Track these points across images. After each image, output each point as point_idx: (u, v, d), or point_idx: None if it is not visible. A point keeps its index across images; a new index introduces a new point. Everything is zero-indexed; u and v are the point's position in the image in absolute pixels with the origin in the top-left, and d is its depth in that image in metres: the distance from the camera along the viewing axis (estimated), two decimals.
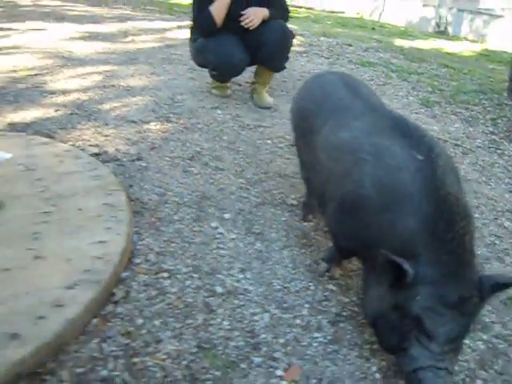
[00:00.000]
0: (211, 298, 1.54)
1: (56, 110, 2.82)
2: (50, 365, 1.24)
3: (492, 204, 2.58)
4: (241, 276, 1.66)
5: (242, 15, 3.01)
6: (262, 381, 1.30)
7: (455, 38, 10.70)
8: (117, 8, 7.30)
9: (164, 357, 1.32)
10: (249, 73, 3.54)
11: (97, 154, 2.30)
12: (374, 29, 8.99)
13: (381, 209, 1.37)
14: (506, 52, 8.17)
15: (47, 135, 2.47)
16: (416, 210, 1.30)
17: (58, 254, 1.54)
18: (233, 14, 3.02)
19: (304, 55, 4.96)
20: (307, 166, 1.88)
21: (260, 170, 2.43)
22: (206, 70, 3.34)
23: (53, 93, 3.11)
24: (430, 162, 1.36)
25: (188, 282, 1.58)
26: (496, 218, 2.44)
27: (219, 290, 1.58)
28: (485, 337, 1.62)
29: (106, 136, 2.54)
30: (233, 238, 1.85)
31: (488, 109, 4.20)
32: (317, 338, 1.48)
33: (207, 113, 3.04)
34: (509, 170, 3.09)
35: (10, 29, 4.89)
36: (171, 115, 2.92)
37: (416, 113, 3.79)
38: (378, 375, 1.39)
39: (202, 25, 3.08)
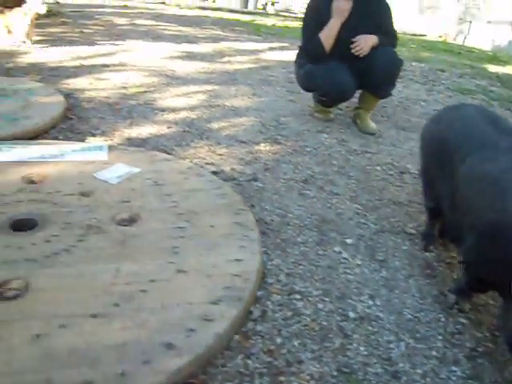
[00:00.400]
0: (345, 323, 1.55)
1: (168, 127, 2.96)
2: (201, 376, 1.29)
3: None
4: (370, 302, 1.66)
5: (352, 42, 3.04)
6: None
7: None
8: (207, 28, 7.57)
9: (307, 377, 1.34)
10: None
11: (214, 173, 2.38)
12: (460, 53, 8.75)
13: None
14: None
15: (165, 151, 2.59)
16: None
17: (199, 269, 1.60)
18: (341, 41, 3.06)
19: (399, 80, 4.89)
20: (439, 195, 1.86)
21: (373, 196, 2.42)
22: (306, 92, 3.40)
23: (163, 110, 3.27)
24: None
25: (320, 305, 1.61)
26: None
27: (352, 314, 1.59)
28: None
29: (220, 155, 2.63)
30: (358, 264, 1.85)
31: None
32: (455, 371, 1.45)
33: (313, 136, 3.08)
34: None
35: (114, 44, 5.21)
36: (279, 137, 2.98)
37: None
38: None
39: (312, 51, 3.14)
